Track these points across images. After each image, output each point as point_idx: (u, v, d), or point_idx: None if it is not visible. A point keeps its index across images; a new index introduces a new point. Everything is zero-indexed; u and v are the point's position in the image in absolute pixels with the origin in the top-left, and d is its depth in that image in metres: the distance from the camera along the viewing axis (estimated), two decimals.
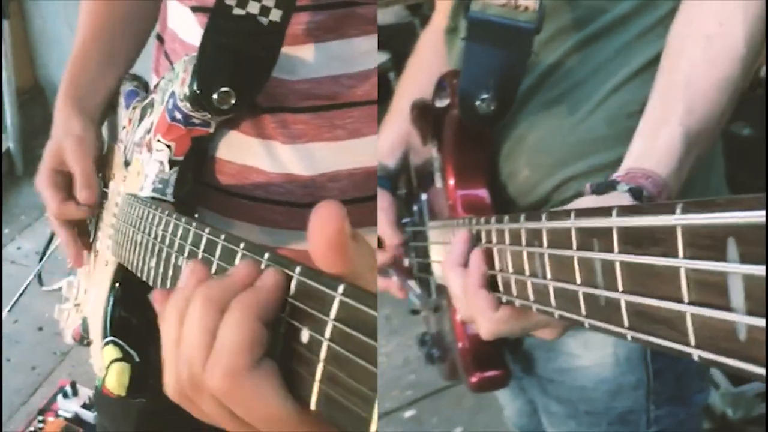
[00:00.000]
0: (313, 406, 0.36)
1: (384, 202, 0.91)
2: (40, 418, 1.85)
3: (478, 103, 0.68)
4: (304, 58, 0.67)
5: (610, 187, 0.57)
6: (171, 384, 0.41)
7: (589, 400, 0.83)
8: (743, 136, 0.80)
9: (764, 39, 0.62)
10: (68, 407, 1.86)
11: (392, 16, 2.81)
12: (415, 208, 0.90)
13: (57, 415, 1.86)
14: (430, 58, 0.94)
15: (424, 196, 0.86)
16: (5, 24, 2.79)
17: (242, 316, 0.37)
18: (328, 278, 0.36)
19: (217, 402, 0.38)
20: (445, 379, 0.88)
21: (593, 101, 0.73)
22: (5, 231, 2.74)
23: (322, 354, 0.35)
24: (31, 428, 1.83)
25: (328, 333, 0.35)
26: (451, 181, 0.75)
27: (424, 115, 0.84)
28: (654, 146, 0.61)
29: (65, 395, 1.88)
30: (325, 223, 0.36)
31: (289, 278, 0.39)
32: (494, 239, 0.55)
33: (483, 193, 0.75)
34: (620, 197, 0.56)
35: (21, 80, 2.96)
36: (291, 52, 0.66)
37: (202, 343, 0.38)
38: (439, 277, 0.78)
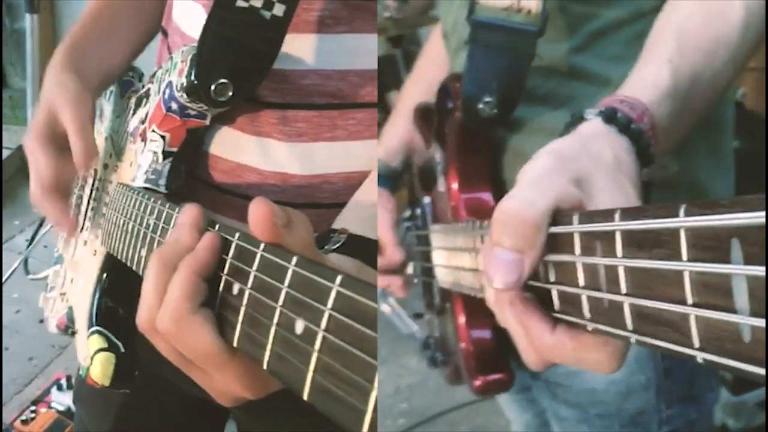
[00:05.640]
0: (305, 396, 0.36)
1: (385, 202, 0.89)
2: (33, 408, 1.86)
3: (481, 106, 0.67)
4: (315, 47, 0.66)
5: (577, 120, 0.50)
6: (138, 320, 0.50)
7: (599, 402, 0.81)
8: (733, 150, 0.81)
9: (764, 17, 0.59)
10: (61, 400, 1.87)
11: None
12: (417, 211, 0.89)
13: (50, 407, 1.86)
14: (435, 61, 0.93)
15: (426, 199, 0.85)
16: (35, 18, 2.81)
17: (185, 274, 0.46)
18: (325, 269, 0.37)
19: (167, 343, 0.47)
20: (449, 383, 0.86)
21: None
22: (15, 222, 2.75)
23: (317, 344, 0.35)
24: (23, 417, 1.83)
25: (324, 323, 0.35)
26: (455, 184, 0.74)
27: (427, 118, 0.84)
28: (637, 77, 0.55)
29: (60, 388, 1.89)
30: (259, 220, 0.43)
31: (284, 269, 0.40)
32: None
33: (487, 196, 0.74)
34: (593, 127, 0.49)
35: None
36: (301, 40, 0.65)
37: (155, 295, 0.47)
38: (442, 280, 0.77)
